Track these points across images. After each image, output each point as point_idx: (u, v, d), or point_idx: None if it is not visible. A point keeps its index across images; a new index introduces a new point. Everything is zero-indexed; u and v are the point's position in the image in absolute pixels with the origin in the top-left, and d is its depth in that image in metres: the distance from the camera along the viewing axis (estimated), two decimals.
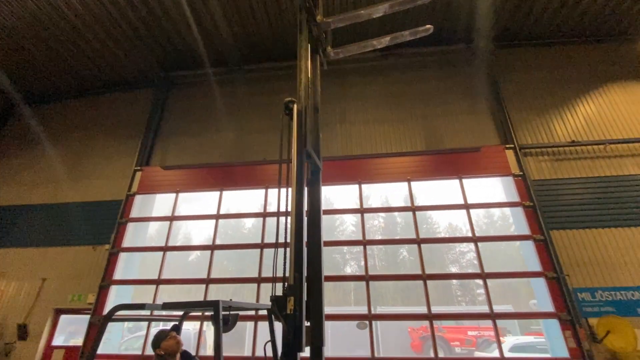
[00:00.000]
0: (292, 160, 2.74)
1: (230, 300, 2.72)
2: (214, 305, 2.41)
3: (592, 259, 6.66)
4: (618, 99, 8.42)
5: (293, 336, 2.19)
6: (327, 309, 2.80)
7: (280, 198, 2.85)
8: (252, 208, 13.08)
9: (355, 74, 9.92)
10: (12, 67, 9.98)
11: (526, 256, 7.49)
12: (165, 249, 8.07)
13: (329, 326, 2.51)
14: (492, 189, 8.72)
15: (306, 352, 2.28)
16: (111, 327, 2.66)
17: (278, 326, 3.29)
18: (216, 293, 7.68)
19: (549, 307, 6.39)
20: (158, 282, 7.67)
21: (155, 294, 7.63)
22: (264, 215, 8.13)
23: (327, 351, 2.46)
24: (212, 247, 7.96)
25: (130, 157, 9.41)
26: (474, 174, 7.90)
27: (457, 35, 9.46)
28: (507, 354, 6.28)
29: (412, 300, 19.74)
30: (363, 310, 6.98)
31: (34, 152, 10.30)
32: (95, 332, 7.16)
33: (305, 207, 2.72)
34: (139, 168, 9.10)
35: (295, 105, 2.93)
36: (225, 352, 2.38)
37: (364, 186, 8.24)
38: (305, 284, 2.47)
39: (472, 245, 7.39)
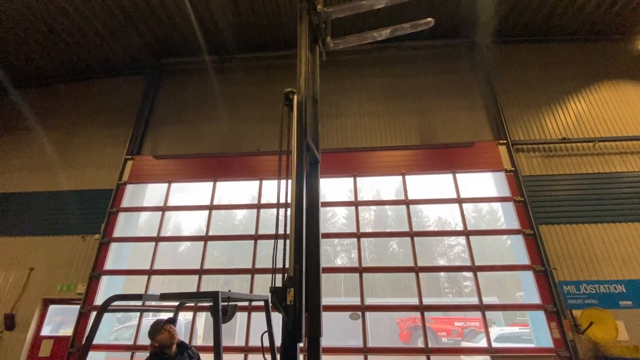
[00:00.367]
0: (292, 152, 2.70)
1: (229, 291, 2.71)
2: (213, 296, 2.40)
3: (578, 254, 6.87)
4: (609, 98, 8.59)
5: (293, 327, 2.21)
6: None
7: (279, 189, 2.83)
8: (244, 199, 13.01)
9: (351, 66, 9.85)
10: None
11: (515, 250, 7.68)
12: (157, 239, 7.98)
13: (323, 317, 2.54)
14: (484, 183, 8.87)
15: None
16: (103, 317, 2.63)
17: (274, 317, 3.31)
18: (206, 284, 7.66)
19: (536, 299, 6.58)
20: (150, 272, 7.60)
21: (147, 285, 7.57)
22: (259, 206, 8.09)
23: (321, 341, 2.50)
24: (206, 238, 7.91)
25: (121, 145, 9.20)
26: (467, 169, 8.00)
27: (453, 30, 9.47)
28: (493, 344, 6.45)
29: (401, 292, 20.13)
30: (355, 301, 7.07)
31: (20, 138, 9.97)
32: (85, 322, 7.10)
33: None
34: (130, 157, 8.91)
35: (295, 96, 2.88)
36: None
37: (357, 179, 8.26)
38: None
39: (460, 239, 7.55)
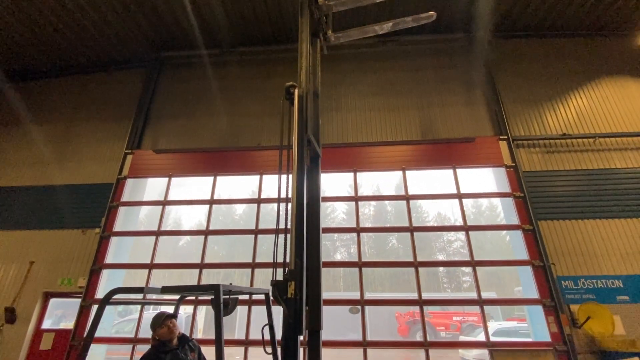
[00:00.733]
0: (293, 146, 2.70)
1: (230, 284, 2.73)
2: (214, 289, 2.41)
3: (576, 249, 6.90)
4: (609, 94, 8.57)
5: (293, 320, 2.23)
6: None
7: (280, 184, 2.83)
8: (245, 194, 13.00)
9: (351, 60, 9.79)
10: None
11: (514, 245, 7.71)
12: (157, 233, 8.00)
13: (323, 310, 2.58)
14: (484, 179, 8.87)
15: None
16: (105, 310, 2.65)
17: (274, 310, 3.34)
18: (207, 278, 7.71)
19: (534, 294, 6.63)
20: (151, 266, 7.63)
21: (147, 279, 7.60)
22: (259, 201, 8.10)
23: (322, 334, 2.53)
24: (206, 232, 7.93)
25: (121, 139, 9.18)
26: (468, 164, 8.00)
27: (455, 24, 9.39)
28: (491, 338, 6.52)
29: (401, 287, 20.27)
30: (354, 295, 7.12)
31: (19, 131, 9.93)
32: (86, 316, 7.14)
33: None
34: (129, 151, 8.89)
35: (296, 90, 2.87)
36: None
37: (357, 174, 8.26)
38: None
39: (459, 234, 7.58)
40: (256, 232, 7.73)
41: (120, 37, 9.57)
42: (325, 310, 2.78)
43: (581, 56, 9.18)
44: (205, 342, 5.06)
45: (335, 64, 9.57)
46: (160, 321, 3.04)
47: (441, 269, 22.63)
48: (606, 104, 8.45)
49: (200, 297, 6.74)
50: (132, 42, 9.79)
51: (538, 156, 7.94)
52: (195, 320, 7.16)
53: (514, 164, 7.76)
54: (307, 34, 3.24)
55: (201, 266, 7.54)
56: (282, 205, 2.72)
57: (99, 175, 8.79)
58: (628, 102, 8.41)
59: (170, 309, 3.47)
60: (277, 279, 2.35)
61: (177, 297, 3.66)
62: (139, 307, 8.42)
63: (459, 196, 7.70)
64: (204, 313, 14.30)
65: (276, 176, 2.82)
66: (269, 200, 8.15)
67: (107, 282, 7.62)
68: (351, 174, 8.24)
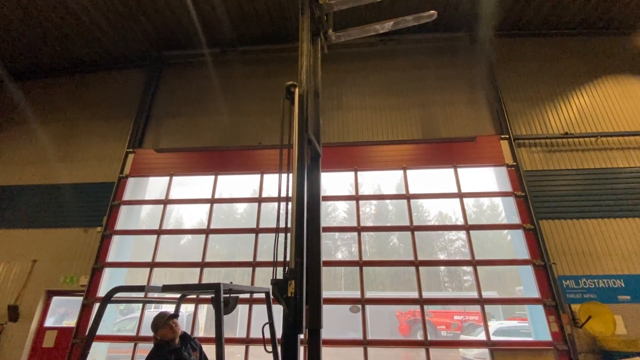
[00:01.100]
0: (294, 145, 2.70)
1: (231, 283, 2.74)
2: (215, 287, 2.42)
3: (578, 248, 6.89)
4: (611, 92, 8.53)
5: (294, 318, 2.23)
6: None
7: (281, 183, 2.83)
8: (246, 193, 13.03)
9: (352, 59, 9.77)
10: None
11: (515, 244, 7.70)
12: (159, 232, 8.03)
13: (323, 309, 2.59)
14: (485, 178, 8.85)
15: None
16: (106, 308, 2.67)
17: (275, 309, 3.35)
18: (208, 277, 7.73)
19: (535, 293, 6.62)
20: (152, 265, 7.66)
21: (149, 277, 7.63)
22: (260, 200, 8.12)
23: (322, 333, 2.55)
24: (207, 231, 7.95)
25: (122, 138, 9.20)
26: (469, 164, 7.99)
27: (456, 23, 9.36)
28: (491, 337, 6.52)
29: (401, 286, 20.27)
30: (355, 294, 7.13)
31: (21, 130, 9.97)
32: (88, 314, 7.18)
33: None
34: (131, 150, 8.92)
35: (296, 89, 2.87)
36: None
37: (358, 173, 8.26)
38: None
39: (460, 234, 7.58)
40: (257, 230, 7.75)
41: (122, 36, 9.59)
42: (326, 309, 2.79)
43: (583, 55, 9.14)
44: (207, 340, 5.09)
45: (336, 63, 9.55)
46: (163, 322, 3.05)
47: (442, 268, 22.61)
48: (608, 103, 8.41)
49: (201, 296, 6.77)
50: (133, 42, 9.81)
51: (539, 155, 7.92)
52: (196, 318, 7.19)
53: (515, 163, 7.74)
54: (308, 33, 3.22)
55: (202, 265, 7.56)
56: (283, 204, 2.72)
57: (100, 174, 8.83)
58: (630, 101, 8.37)
59: (171, 308, 3.49)
60: (278, 277, 2.35)
61: (178, 295, 3.68)
62: (140, 305, 8.46)
63: (460, 195, 7.69)
64: (205, 311, 14.35)
65: (277, 175, 2.82)
66: (269, 199, 8.16)
67: (108, 280, 7.66)
68: (352, 173, 8.24)
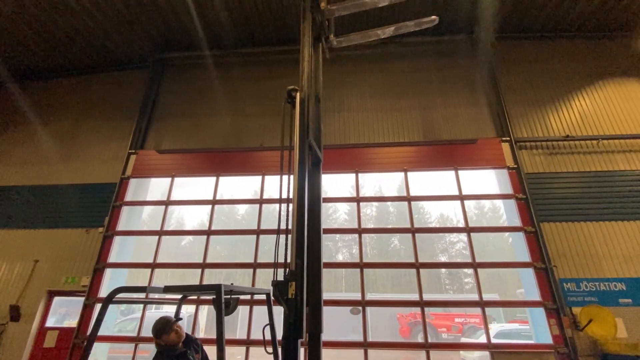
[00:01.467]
0: (295, 148, 2.71)
1: (232, 284, 2.75)
2: (216, 289, 2.44)
3: (579, 251, 6.88)
4: (613, 95, 8.52)
5: (294, 320, 2.24)
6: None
7: (282, 185, 2.85)
8: (247, 194, 13.06)
9: (353, 62, 9.80)
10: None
11: (516, 247, 7.69)
12: (160, 233, 8.06)
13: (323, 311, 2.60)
14: (486, 180, 8.85)
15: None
16: (108, 309, 2.69)
17: (275, 310, 3.36)
18: (209, 278, 7.74)
19: (536, 296, 6.61)
20: (153, 265, 7.68)
21: (150, 278, 7.65)
22: (261, 201, 8.13)
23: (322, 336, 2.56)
24: (208, 232, 7.97)
25: (124, 139, 9.25)
26: (470, 166, 7.99)
27: (457, 25, 9.38)
28: (492, 340, 6.50)
29: (402, 288, 20.24)
30: (356, 296, 7.13)
31: (23, 131, 10.04)
32: (89, 314, 7.20)
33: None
34: (133, 151, 8.96)
35: (298, 94, 2.88)
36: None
37: (359, 175, 8.28)
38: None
39: (461, 236, 7.57)
40: (258, 232, 7.77)
41: (125, 38, 9.65)
42: (327, 310, 2.80)
43: (584, 58, 9.15)
44: (207, 341, 5.09)
45: (337, 65, 9.58)
46: (168, 327, 3.02)
47: (443, 270, 22.58)
48: (610, 105, 8.41)
49: (202, 297, 6.79)
50: (136, 43, 9.87)
51: (541, 158, 7.92)
52: (197, 319, 7.20)
53: (516, 166, 7.74)
54: (309, 39, 3.21)
55: (203, 266, 7.58)
56: (284, 206, 2.74)
57: (102, 175, 8.87)
58: (632, 104, 8.37)
59: (172, 309, 3.50)
60: (278, 279, 2.37)
61: (179, 296, 3.69)
62: (141, 306, 8.48)
63: (461, 197, 7.70)
64: (206, 312, 14.35)
65: (278, 176, 2.84)
66: (271, 201, 8.18)
67: (110, 281, 7.68)
68: (353, 175, 8.25)
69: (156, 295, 6.30)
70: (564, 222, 7.16)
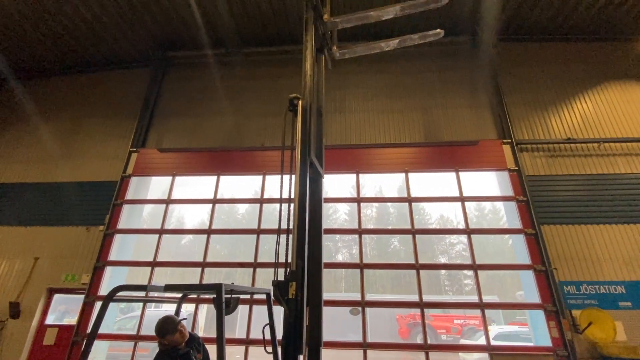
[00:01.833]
0: (296, 147, 2.71)
1: (232, 283, 2.76)
2: (217, 288, 2.44)
3: (579, 254, 6.88)
4: (615, 98, 8.52)
5: (294, 320, 2.25)
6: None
7: (282, 186, 2.85)
8: (247, 194, 13.06)
9: (355, 62, 9.77)
10: (2, 40, 9.60)
11: (516, 249, 7.69)
12: (161, 231, 8.07)
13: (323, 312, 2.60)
14: (487, 182, 8.85)
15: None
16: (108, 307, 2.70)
17: (275, 310, 3.36)
18: (208, 277, 7.75)
19: (536, 298, 6.61)
20: (153, 264, 7.69)
21: (150, 276, 7.66)
22: (262, 201, 8.14)
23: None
24: (208, 232, 7.98)
25: (126, 138, 9.26)
26: (471, 167, 7.99)
27: (459, 27, 9.37)
28: (492, 342, 6.50)
29: (402, 289, 20.21)
30: (355, 297, 7.13)
31: (24, 129, 10.05)
32: (89, 312, 7.21)
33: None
34: (134, 150, 8.97)
35: (300, 102, 2.84)
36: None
37: (359, 176, 8.27)
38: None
39: (462, 237, 7.55)
40: (258, 232, 7.77)
41: (127, 36, 9.66)
42: (326, 311, 2.80)
43: (586, 60, 9.14)
44: (206, 340, 5.08)
45: (339, 66, 9.50)
46: (173, 328, 3.02)
47: (443, 271, 22.54)
48: (611, 108, 8.40)
49: (202, 296, 6.79)
50: (138, 42, 9.88)
51: (542, 160, 7.91)
52: (196, 318, 7.21)
53: (517, 168, 7.74)
54: (312, 52, 3.10)
55: (203, 265, 7.58)
56: (285, 206, 2.74)
57: (103, 173, 8.88)
58: (633, 107, 8.36)
59: (172, 307, 3.50)
60: (279, 279, 2.37)
61: (179, 295, 3.70)
62: (141, 304, 8.48)
63: (462, 199, 7.70)
64: (205, 311, 14.35)
65: (279, 176, 2.83)
66: (271, 201, 8.18)
67: (110, 279, 7.70)
68: (354, 176, 8.25)
69: (156, 294, 6.31)
70: (565, 225, 7.15)
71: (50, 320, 7.74)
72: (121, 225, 8.15)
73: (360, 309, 6.87)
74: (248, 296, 7.01)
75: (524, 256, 7.10)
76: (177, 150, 8.99)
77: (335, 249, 24.49)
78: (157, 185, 9.43)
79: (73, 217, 8.42)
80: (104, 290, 7.45)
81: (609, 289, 6.53)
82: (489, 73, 9.10)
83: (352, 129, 8.81)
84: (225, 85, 9.83)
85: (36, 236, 8.31)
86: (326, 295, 2.99)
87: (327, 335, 3.52)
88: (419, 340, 12.47)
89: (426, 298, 6.87)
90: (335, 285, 21.29)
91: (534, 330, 6.86)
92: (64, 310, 12.18)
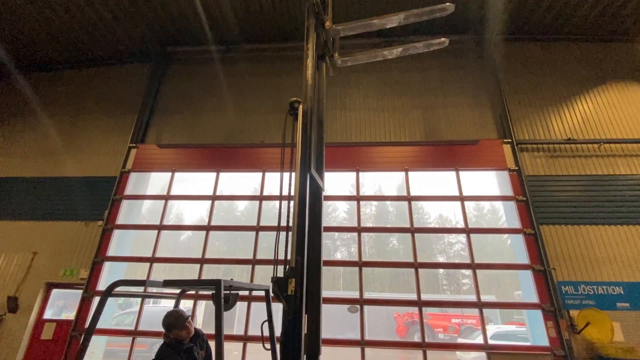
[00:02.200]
0: (297, 146, 2.69)
1: (231, 280, 2.76)
2: (216, 284, 2.44)
3: (578, 254, 6.88)
4: (616, 99, 8.50)
5: (293, 316, 2.24)
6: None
7: (282, 182, 2.83)
8: (247, 190, 13.03)
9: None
10: (3, 33, 9.55)
11: (515, 249, 7.69)
12: (160, 227, 8.05)
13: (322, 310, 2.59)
14: (486, 182, 8.85)
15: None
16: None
17: (274, 307, 3.36)
18: (207, 273, 7.75)
19: (534, 298, 6.62)
20: (152, 260, 7.68)
21: (149, 272, 7.66)
22: (261, 198, 8.13)
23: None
24: (208, 228, 7.96)
25: (125, 133, 9.23)
26: (471, 167, 7.98)
27: (461, 26, 9.35)
28: (489, 341, 6.52)
29: (400, 287, 20.29)
30: (354, 294, 7.14)
31: (24, 123, 10.01)
32: (87, 307, 7.21)
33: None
34: (134, 145, 8.95)
35: (300, 106, 2.79)
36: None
37: (359, 174, 8.27)
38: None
39: (460, 237, 7.56)
40: (257, 228, 7.76)
41: (128, 31, 9.61)
42: (325, 308, 2.79)
43: (588, 61, 9.12)
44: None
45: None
46: (180, 323, 3.02)
47: (441, 270, 22.62)
48: (612, 109, 8.39)
49: (201, 292, 6.79)
50: (138, 37, 9.83)
51: (542, 160, 7.91)
52: (195, 314, 7.21)
53: (517, 168, 7.74)
54: (313, 60, 3.01)
55: (202, 261, 7.58)
56: (284, 202, 2.72)
57: (103, 168, 8.86)
58: (634, 108, 8.35)
59: (170, 303, 3.50)
60: (278, 276, 2.36)
61: (177, 291, 3.69)
62: (139, 299, 8.49)
63: (461, 198, 7.69)
64: (204, 307, 14.39)
65: (278, 173, 2.81)
66: (271, 198, 8.17)
67: (108, 274, 7.69)
68: (354, 174, 8.24)
69: (154, 290, 6.31)
70: (564, 225, 7.16)
71: (48, 314, 7.73)
72: (120, 220, 8.14)
73: (358, 306, 6.88)
74: (246, 293, 7.01)
75: (522, 256, 7.11)
76: (177, 146, 8.96)
77: (334, 247, 24.53)
78: (156, 181, 9.41)
79: (72, 211, 8.41)
80: (102, 285, 7.45)
81: (607, 289, 6.55)
82: (490, 72, 9.09)
83: (353, 126, 8.80)
84: (225, 82, 9.79)
85: (35, 231, 8.29)
86: (324, 293, 2.97)
87: (325, 333, 3.51)
88: (416, 338, 12.53)
89: (424, 297, 6.87)
90: (333, 283, 21.35)
91: (531, 330, 6.88)
92: (62, 305, 12.17)
